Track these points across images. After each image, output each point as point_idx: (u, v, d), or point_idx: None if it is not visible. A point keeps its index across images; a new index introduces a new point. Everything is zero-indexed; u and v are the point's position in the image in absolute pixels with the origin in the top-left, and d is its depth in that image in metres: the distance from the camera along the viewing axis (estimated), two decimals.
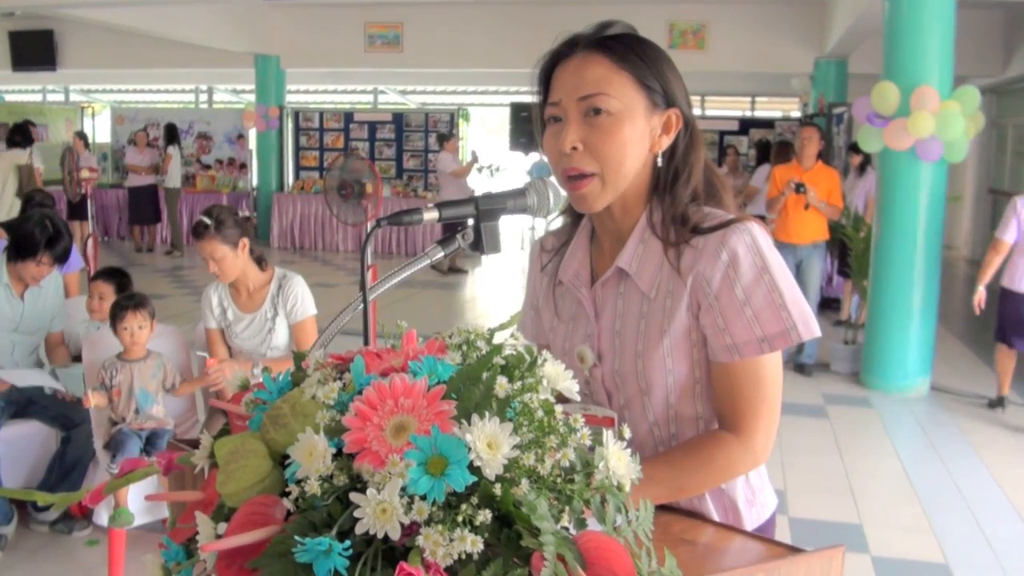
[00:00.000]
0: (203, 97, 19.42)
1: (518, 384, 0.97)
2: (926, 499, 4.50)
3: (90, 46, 14.26)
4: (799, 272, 6.58)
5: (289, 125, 14.51)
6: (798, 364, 6.59)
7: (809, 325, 1.35)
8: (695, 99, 15.77)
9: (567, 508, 0.92)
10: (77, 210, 10.87)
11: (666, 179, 1.42)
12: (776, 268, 1.35)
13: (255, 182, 14.63)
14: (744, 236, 1.35)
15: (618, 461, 0.95)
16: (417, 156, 14.07)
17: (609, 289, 1.46)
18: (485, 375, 0.96)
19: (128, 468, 1.16)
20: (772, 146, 9.18)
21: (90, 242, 8.32)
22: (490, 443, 0.88)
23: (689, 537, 1.34)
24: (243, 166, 14.87)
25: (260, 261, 3.65)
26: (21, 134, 10.40)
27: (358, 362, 1.03)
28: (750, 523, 1.47)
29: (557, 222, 1.61)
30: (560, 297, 1.55)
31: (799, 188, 6.34)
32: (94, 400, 3.49)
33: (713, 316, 1.36)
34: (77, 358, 4.09)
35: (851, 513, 4.33)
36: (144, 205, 12.90)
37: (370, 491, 0.85)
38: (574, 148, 1.37)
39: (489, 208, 1.35)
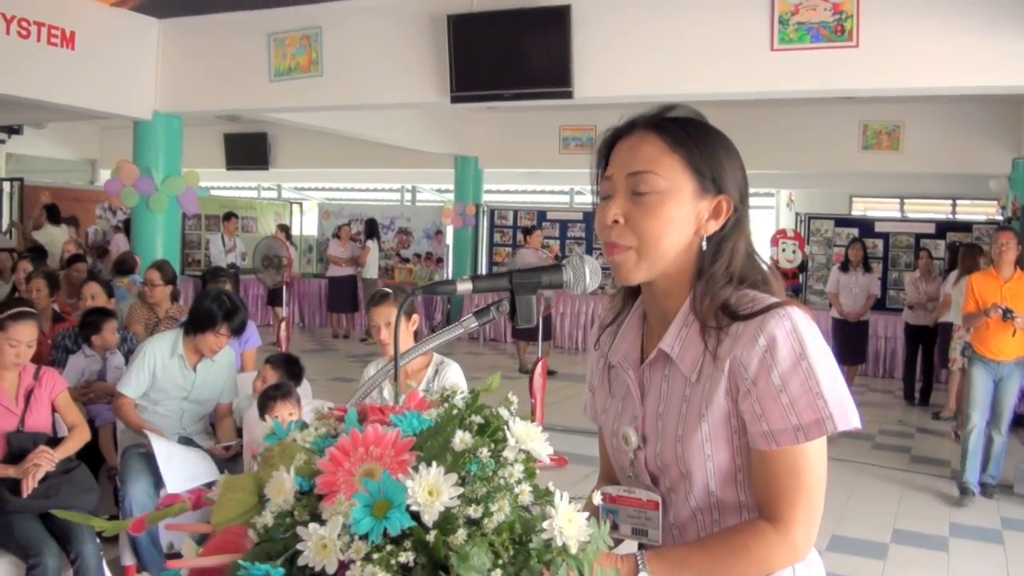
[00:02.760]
0: (407, 196, 20.47)
1: (478, 440, 1.01)
2: None
3: (300, 147, 15.48)
4: (996, 389, 6.16)
5: (484, 222, 15.00)
6: (981, 483, 6.13)
7: (846, 416, 1.31)
8: (893, 201, 15.29)
9: (524, 566, 0.96)
10: (275, 296, 11.63)
11: (710, 263, 1.42)
12: (815, 355, 1.32)
13: (450, 276, 15.17)
14: (784, 322, 1.33)
15: (568, 523, 0.97)
16: None
17: (655, 371, 1.46)
18: (449, 430, 1.01)
19: (167, 503, 1.28)
20: (960, 249, 8.75)
21: (283, 325, 8.88)
22: (431, 491, 0.93)
23: None
24: (440, 260, 15.47)
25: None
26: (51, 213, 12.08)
27: (351, 413, 1.11)
28: None
29: (615, 300, 1.63)
30: (613, 378, 1.56)
31: (1007, 315, 5.92)
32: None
33: (751, 402, 1.34)
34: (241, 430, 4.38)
35: None
36: (343, 294, 13.61)
37: (312, 526, 0.91)
38: (615, 221, 1.41)
39: (523, 282, 1.40)
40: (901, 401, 9.67)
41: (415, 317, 3.75)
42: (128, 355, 4.92)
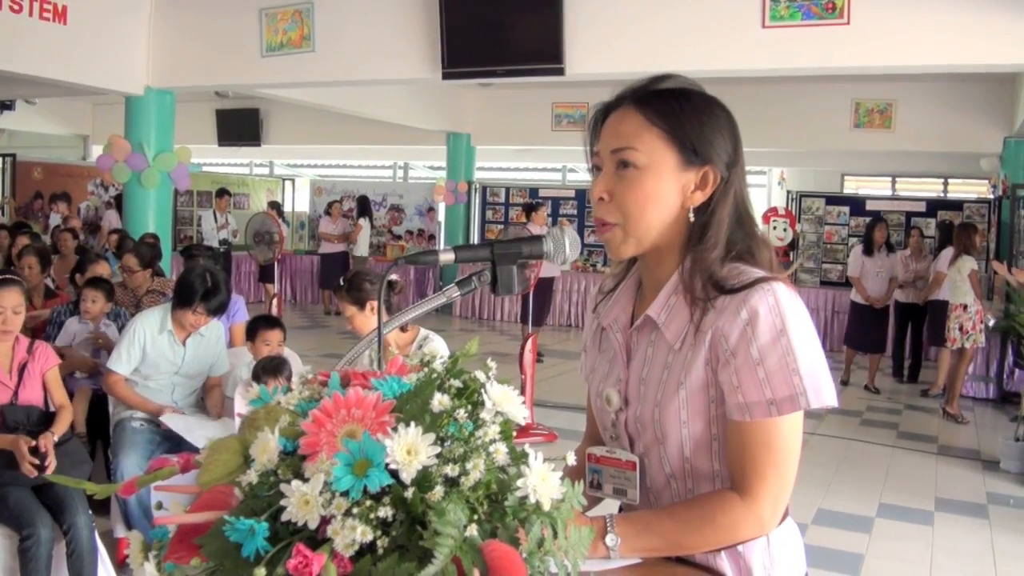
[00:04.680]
0: (400, 173, 20.46)
1: (456, 402, 1.04)
2: None
3: (293, 124, 15.44)
4: None
5: (476, 199, 15.02)
6: None
7: (820, 394, 1.33)
8: (885, 180, 15.33)
9: (501, 522, 0.99)
10: (266, 273, 11.64)
11: (698, 235, 1.43)
12: (795, 331, 1.33)
13: None
14: (767, 296, 1.34)
15: (542, 482, 1.01)
16: None
17: (642, 336, 1.48)
18: (427, 392, 1.04)
19: (156, 467, 1.32)
20: (954, 229, 8.77)
21: (274, 302, 8.92)
22: (409, 450, 0.96)
23: None
24: (432, 237, 15.50)
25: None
26: None
27: (334, 378, 1.14)
28: None
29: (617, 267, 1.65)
30: (604, 340, 1.58)
31: None
32: None
33: (729, 373, 1.35)
34: None
35: None
36: (334, 271, 13.58)
37: (295, 483, 0.95)
38: (601, 198, 1.43)
39: (504, 252, 1.43)
40: (890, 378, 9.74)
41: (372, 304, 3.82)
42: (121, 329, 4.95)
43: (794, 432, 1.37)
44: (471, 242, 14.76)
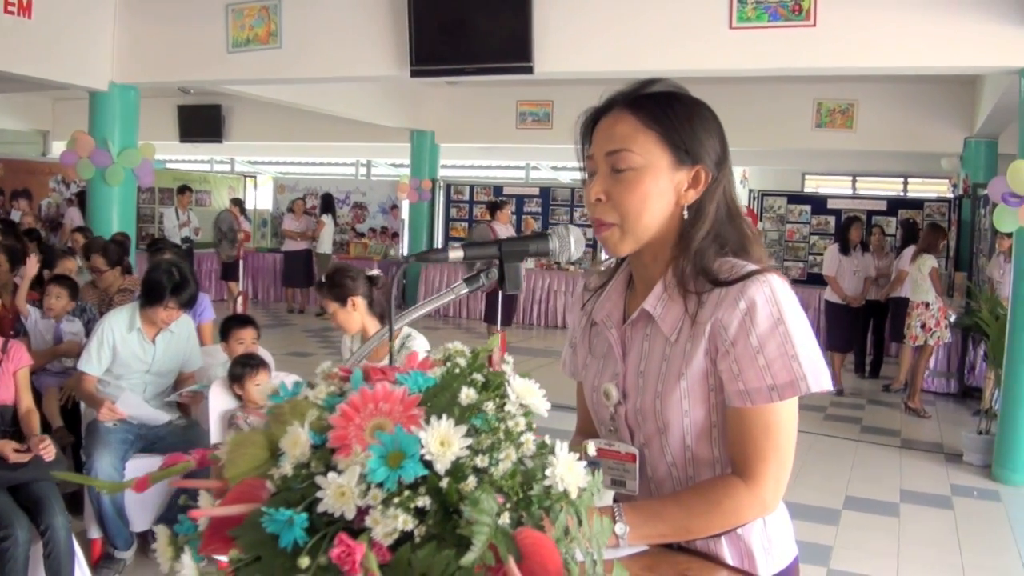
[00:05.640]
0: (362, 170, 20.39)
1: (483, 395, 1.07)
2: None
3: (255, 120, 15.31)
4: None
5: (440, 197, 15.00)
6: None
7: (819, 378, 1.39)
8: (845, 179, 15.53)
9: (526, 511, 1.02)
10: (230, 271, 11.55)
11: (691, 231, 1.48)
12: (792, 320, 1.39)
13: (405, 251, 15.17)
14: (764, 288, 1.39)
15: (568, 470, 1.04)
16: None
17: (637, 331, 1.53)
18: (454, 386, 1.07)
19: (170, 462, 1.33)
20: (923, 228, 8.92)
21: (239, 300, 8.87)
22: (442, 441, 0.99)
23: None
24: (395, 235, 15.47)
25: (382, 318, 3.92)
26: None
27: (357, 373, 1.16)
28: (766, 571, 1.49)
29: (604, 264, 1.70)
30: (595, 336, 1.63)
31: None
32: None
33: (729, 362, 1.41)
34: None
35: None
36: (297, 269, 13.57)
37: (331, 475, 0.97)
38: (598, 199, 1.47)
39: (512, 250, 1.46)
40: (852, 374, 9.89)
41: (354, 300, 3.84)
42: (89, 325, 4.91)
43: (792, 416, 1.43)
44: (435, 240, 14.77)
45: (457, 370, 1.14)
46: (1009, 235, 7.49)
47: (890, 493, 5.72)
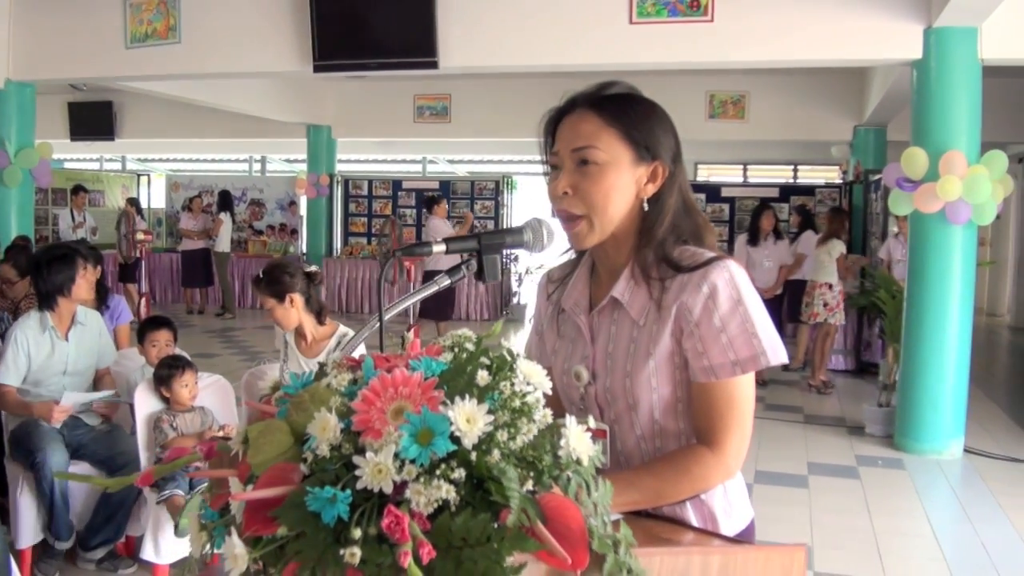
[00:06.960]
0: (256, 166, 20.07)
1: (496, 377, 1.16)
2: (952, 559, 4.52)
3: (147, 117, 14.85)
4: None
5: (339, 192, 14.88)
6: None
7: (776, 352, 1.53)
8: (737, 167, 15.94)
9: (538, 480, 1.11)
10: (129, 272, 11.29)
11: (651, 222, 1.61)
12: (750, 301, 1.54)
13: (305, 247, 15.03)
14: (724, 272, 1.54)
15: (578, 441, 1.14)
16: None
17: (604, 316, 1.65)
18: (469, 369, 1.16)
19: (175, 455, 1.38)
20: (826, 215, 9.22)
21: (143, 302, 8.70)
22: (468, 419, 1.07)
23: (668, 536, 1.51)
24: (294, 232, 15.31)
25: (319, 314, 3.99)
26: None
27: (368, 361, 1.23)
28: (727, 531, 1.63)
29: (564, 257, 1.81)
30: (563, 323, 1.74)
31: None
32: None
33: (694, 341, 1.54)
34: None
35: (876, 571, 4.38)
36: (196, 268, 13.31)
37: (368, 454, 1.04)
38: (565, 193, 1.59)
39: (490, 243, 1.56)
40: None
41: (292, 296, 3.89)
42: (3, 334, 4.80)
43: (750, 389, 1.57)
44: (335, 236, 14.65)
45: (465, 355, 1.22)
46: (905, 218, 7.91)
47: (798, 466, 6.00)
